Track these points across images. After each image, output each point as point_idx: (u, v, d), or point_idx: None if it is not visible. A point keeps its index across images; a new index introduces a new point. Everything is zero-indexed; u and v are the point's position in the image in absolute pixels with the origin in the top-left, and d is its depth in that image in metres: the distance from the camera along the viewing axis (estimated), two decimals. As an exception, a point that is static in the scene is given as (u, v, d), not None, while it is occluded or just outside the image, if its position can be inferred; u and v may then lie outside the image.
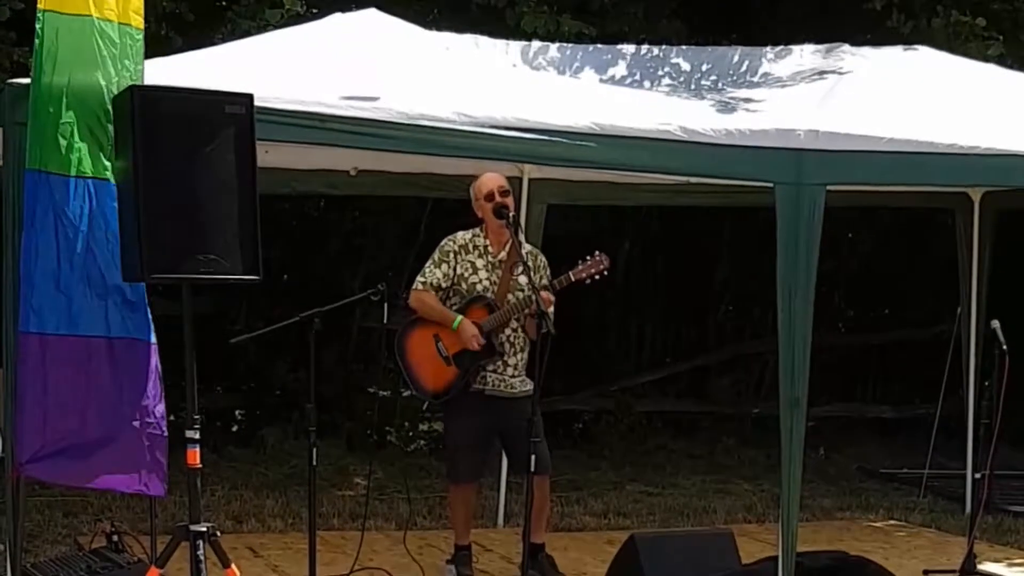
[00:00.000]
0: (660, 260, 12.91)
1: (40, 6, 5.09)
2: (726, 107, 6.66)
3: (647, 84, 7.45)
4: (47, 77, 5.06)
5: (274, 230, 9.39)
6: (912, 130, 6.00)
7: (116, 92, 5.08)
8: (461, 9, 9.91)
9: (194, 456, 4.86)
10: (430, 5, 10.24)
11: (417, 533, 7.90)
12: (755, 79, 7.45)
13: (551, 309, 6.13)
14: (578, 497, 9.28)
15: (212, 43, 7.10)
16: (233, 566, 4.95)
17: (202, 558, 4.81)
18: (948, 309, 9.29)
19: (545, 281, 6.51)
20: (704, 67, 7.67)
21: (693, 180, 6.82)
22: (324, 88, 5.68)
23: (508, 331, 6.55)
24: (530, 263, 6.44)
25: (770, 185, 5.82)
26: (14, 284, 5.11)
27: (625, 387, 12.29)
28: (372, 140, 5.63)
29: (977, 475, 7.12)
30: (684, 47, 8.14)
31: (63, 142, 5.06)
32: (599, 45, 8.14)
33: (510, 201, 6.54)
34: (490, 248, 6.59)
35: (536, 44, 7.89)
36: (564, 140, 5.77)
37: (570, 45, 8.08)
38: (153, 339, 5.22)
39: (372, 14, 7.30)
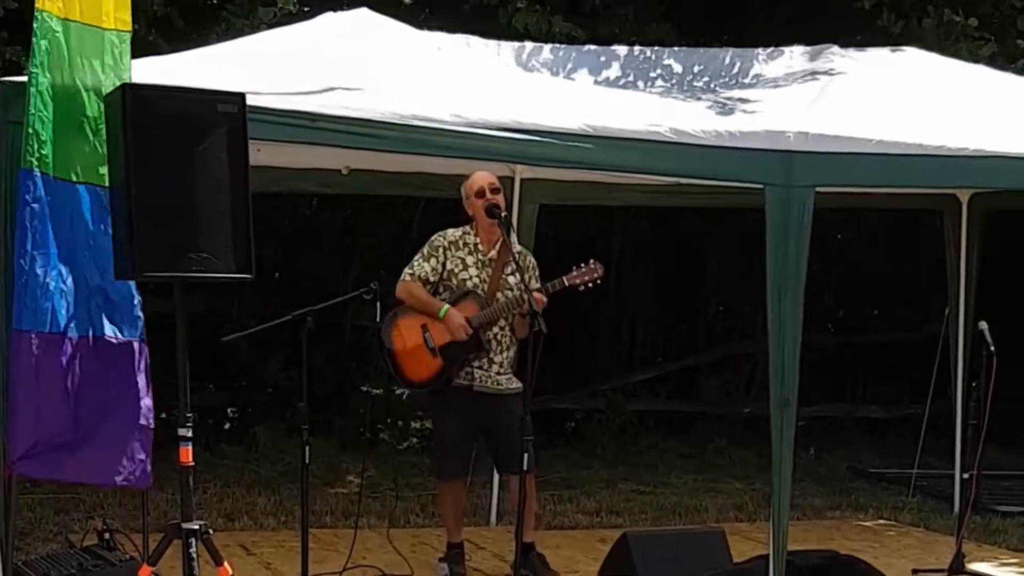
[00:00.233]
0: (651, 260, 12.93)
1: (37, 5, 5.12)
2: (717, 108, 6.68)
3: (640, 85, 7.48)
4: (42, 76, 5.09)
5: (266, 229, 9.38)
6: (901, 132, 6.03)
7: (104, 95, 5.10)
8: (453, 8, 9.92)
9: (186, 454, 4.87)
10: (422, 4, 10.25)
11: (410, 531, 7.93)
12: (746, 80, 7.48)
13: (541, 310, 6.14)
14: (570, 496, 9.30)
15: (205, 44, 7.11)
16: (225, 564, 4.95)
17: (194, 556, 4.82)
18: (937, 310, 9.32)
19: (535, 283, 6.53)
20: (696, 68, 7.70)
21: (684, 181, 6.85)
22: (314, 87, 5.70)
23: (496, 329, 6.57)
24: (520, 263, 6.46)
25: (760, 186, 5.85)
26: (6, 283, 5.14)
27: (616, 386, 12.31)
28: (364, 140, 5.64)
29: (965, 475, 7.16)
30: (676, 49, 8.17)
31: (48, 143, 5.09)
32: (592, 47, 8.16)
33: (501, 200, 6.56)
34: (480, 246, 6.61)
35: (529, 45, 7.91)
36: (555, 141, 5.79)
37: (563, 46, 8.10)
38: (141, 336, 5.25)
39: (363, 13, 7.32)
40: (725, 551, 6.47)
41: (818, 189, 5.85)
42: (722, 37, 10.44)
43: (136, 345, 5.25)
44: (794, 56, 7.60)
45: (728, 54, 7.87)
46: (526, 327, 6.27)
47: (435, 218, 8.02)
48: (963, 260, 8.91)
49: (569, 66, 7.64)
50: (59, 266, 5.13)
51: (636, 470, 10.56)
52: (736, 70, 7.64)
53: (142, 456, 5.24)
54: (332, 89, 5.72)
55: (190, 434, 4.88)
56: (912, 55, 7.75)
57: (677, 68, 7.72)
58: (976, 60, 9.13)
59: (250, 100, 4.95)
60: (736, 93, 7.07)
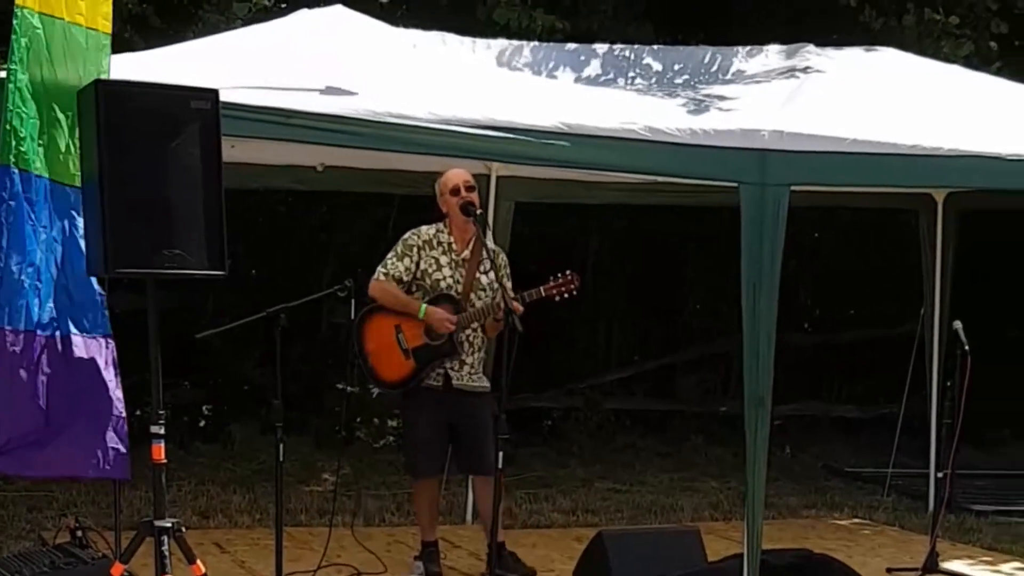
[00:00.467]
0: (628, 259, 12.95)
1: (17, 2, 5.10)
2: (694, 106, 6.68)
3: (621, 82, 7.48)
4: (21, 73, 5.08)
5: (241, 225, 9.36)
6: (876, 131, 6.04)
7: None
8: (431, 3, 9.90)
9: (159, 451, 4.86)
10: (399, 1, 10.24)
11: (385, 529, 7.92)
12: (726, 77, 7.49)
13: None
14: (546, 494, 9.30)
15: (181, 41, 7.09)
16: (199, 562, 4.94)
17: (166, 554, 4.81)
18: (913, 309, 9.35)
19: (507, 281, 6.52)
20: (676, 66, 7.71)
21: (660, 179, 6.85)
22: (291, 85, 5.68)
23: (468, 330, 6.55)
24: (494, 261, 6.44)
25: (735, 185, 5.86)
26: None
27: (593, 385, 12.33)
28: (338, 137, 5.63)
29: (940, 474, 7.18)
30: (656, 47, 8.17)
31: (27, 139, 5.06)
32: (572, 45, 8.15)
33: (476, 198, 6.54)
34: (454, 245, 6.59)
35: (505, 42, 7.90)
36: (531, 139, 5.78)
37: (544, 45, 8.09)
38: (107, 332, 5.24)
39: (338, 10, 7.30)
40: (700, 550, 6.47)
41: (793, 188, 5.85)
42: (699, 34, 10.45)
43: (103, 341, 5.23)
44: (770, 55, 7.61)
45: (708, 52, 7.88)
46: (498, 327, 6.27)
47: (411, 215, 8.00)
48: (938, 259, 8.93)
49: (551, 64, 7.64)
50: (33, 263, 5.11)
51: (612, 469, 10.57)
52: (716, 68, 7.65)
53: (117, 446, 5.22)
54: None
55: (163, 431, 4.87)
56: (887, 55, 7.77)
57: (657, 66, 7.73)
58: (956, 59, 9.16)
59: (223, 96, 4.93)
60: (714, 90, 7.07)
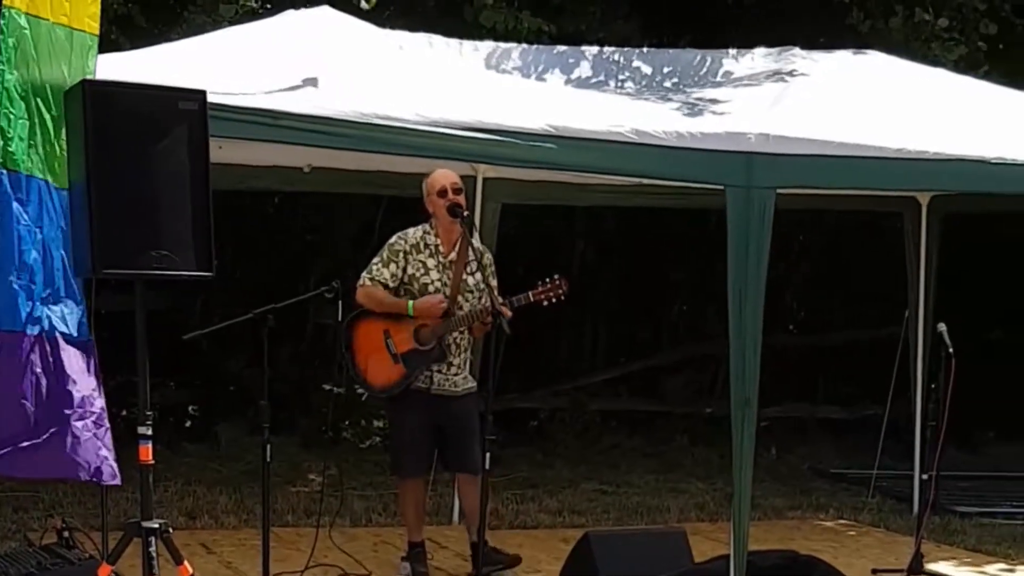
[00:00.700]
0: (615, 260, 12.97)
1: (5, 3, 5.10)
2: (681, 109, 6.70)
3: (611, 85, 7.50)
4: (8, 74, 5.08)
5: (228, 226, 9.36)
6: (861, 134, 6.07)
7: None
8: (418, 5, 9.91)
9: (146, 452, 4.84)
10: (385, 2, 10.24)
11: (372, 530, 7.93)
12: (715, 79, 7.51)
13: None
14: (533, 495, 9.31)
15: (167, 42, 7.08)
16: (186, 563, 4.93)
17: (154, 554, 4.79)
18: (898, 311, 9.38)
19: (493, 280, 6.53)
20: (665, 69, 7.72)
21: (646, 182, 6.88)
22: (274, 85, 5.69)
23: (455, 332, 6.57)
24: (480, 262, 6.45)
25: (721, 187, 5.88)
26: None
27: (580, 386, 12.34)
28: (325, 138, 5.63)
29: (924, 476, 7.19)
30: (645, 50, 8.19)
31: (16, 140, 5.06)
32: (561, 47, 8.17)
33: (462, 199, 6.55)
34: (441, 248, 6.59)
35: (493, 45, 7.91)
36: (518, 141, 5.80)
37: (532, 48, 8.10)
38: (88, 335, 5.24)
39: (325, 11, 7.30)
40: (687, 551, 6.49)
41: (779, 190, 5.88)
42: (686, 36, 10.48)
43: (88, 346, 5.23)
44: (756, 58, 7.64)
45: (697, 55, 7.90)
46: (485, 328, 6.28)
47: (398, 216, 8.02)
48: (923, 262, 8.97)
49: (540, 67, 7.65)
50: (24, 263, 5.10)
51: (599, 469, 10.58)
52: (704, 71, 7.67)
53: (105, 453, 5.22)
54: (293, 88, 5.69)
55: (150, 432, 4.85)
56: (874, 58, 7.80)
57: (646, 69, 7.75)
58: (946, 62, 9.19)
59: (211, 97, 4.93)
60: (702, 93, 7.09)
